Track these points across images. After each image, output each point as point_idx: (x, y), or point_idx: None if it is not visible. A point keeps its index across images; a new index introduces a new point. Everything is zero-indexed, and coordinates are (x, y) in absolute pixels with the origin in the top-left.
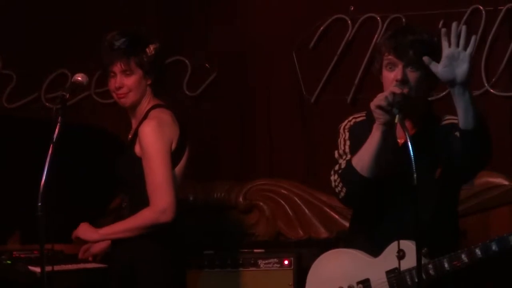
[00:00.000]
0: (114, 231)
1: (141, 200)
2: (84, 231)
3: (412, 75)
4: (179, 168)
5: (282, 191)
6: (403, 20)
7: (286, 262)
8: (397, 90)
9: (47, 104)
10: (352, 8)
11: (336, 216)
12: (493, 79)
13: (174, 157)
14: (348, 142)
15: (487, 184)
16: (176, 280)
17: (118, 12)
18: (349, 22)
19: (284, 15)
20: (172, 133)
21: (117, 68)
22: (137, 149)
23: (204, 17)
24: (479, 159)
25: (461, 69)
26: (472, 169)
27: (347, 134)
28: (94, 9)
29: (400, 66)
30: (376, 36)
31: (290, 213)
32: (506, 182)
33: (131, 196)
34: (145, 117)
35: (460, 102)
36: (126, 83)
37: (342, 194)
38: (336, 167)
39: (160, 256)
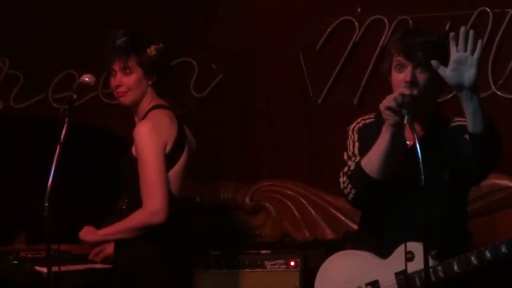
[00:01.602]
0: (112, 232)
1: (139, 201)
2: (86, 233)
3: (421, 77)
4: (177, 169)
5: (289, 192)
6: (410, 22)
7: (292, 263)
8: (407, 92)
9: (54, 104)
10: (359, 10)
11: (342, 217)
12: (500, 81)
13: (170, 158)
14: (357, 144)
15: (494, 186)
16: (179, 279)
17: (118, 12)
18: (356, 23)
19: (287, 15)
20: (167, 134)
21: (117, 66)
22: (133, 149)
23: (205, 17)
24: (488, 162)
25: (469, 73)
26: (482, 172)
27: (356, 135)
28: (96, 10)
29: (409, 68)
30: (383, 37)
31: (297, 214)
32: None
33: (131, 196)
34: (144, 117)
35: (469, 106)
36: (125, 81)
37: (351, 195)
38: (345, 169)
39: (158, 255)
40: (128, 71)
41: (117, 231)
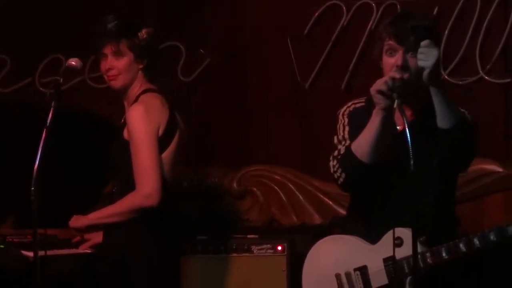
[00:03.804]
0: (102, 215)
1: (130, 184)
2: (75, 220)
3: (412, 61)
4: (168, 153)
5: (276, 177)
6: (398, 6)
7: (279, 248)
8: (397, 75)
9: (41, 88)
10: None
11: (330, 202)
12: (488, 66)
13: (162, 141)
14: (347, 128)
15: (481, 171)
16: (171, 262)
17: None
18: (344, 8)
19: (279, 1)
20: (160, 118)
21: (108, 49)
22: (125, 133)
23: (200, 3)
24: (464, 154)
25: (433, 53)
26: (462, 162)
27: (346, 119)
28: None
29: (400, 52)
30: (370, 22)
31: (284, 199)
32: (499, 169)
33: (121, 181)
34: (135, 101)
35: (436, 96)
36: (116, 65)
37: (341, 179)
38: (335, 153)
39: (150, 238)
40: (119, 55)
41: (109, 214)
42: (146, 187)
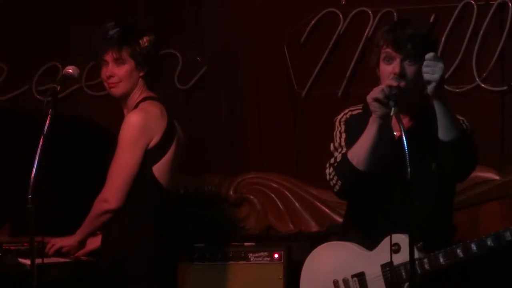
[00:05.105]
0: (83, 226)
1: (129, 193)
2: (64, 240)
3: (409, 69)
4: (165, 160)
5: (273, 184)
6: (395, 14)
7: (276, 255)
8: (394, 83)
9: (38, 96)
10: (343, 2)
11: (327, 210)
12: (484, 74)
13: (157, 150)
14: (344, 135)
15: (478, 178)
16: (170, 269)
17: (114, 12)
18: (341, 16)
19: (275, 9)
20: (156, 127)
21: (109, 56)
22: None
23: (196, 11)
24: (462, 167)
25: (438, 67)
26: (459, 174)
27: (343, 127)
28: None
29: (398, 60)
30: (367, 30)
31: (281, 207)
32: (496, 177)
33: None
34: (135, 108)
35: (438, 108)
36: (117, 72)
37: (337, 187)
38: (332, 160)
39: (147, 246)
40: (120, 62)
41: (85, 224)
42: (105, 192)
